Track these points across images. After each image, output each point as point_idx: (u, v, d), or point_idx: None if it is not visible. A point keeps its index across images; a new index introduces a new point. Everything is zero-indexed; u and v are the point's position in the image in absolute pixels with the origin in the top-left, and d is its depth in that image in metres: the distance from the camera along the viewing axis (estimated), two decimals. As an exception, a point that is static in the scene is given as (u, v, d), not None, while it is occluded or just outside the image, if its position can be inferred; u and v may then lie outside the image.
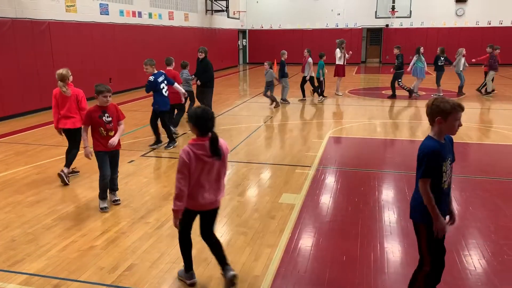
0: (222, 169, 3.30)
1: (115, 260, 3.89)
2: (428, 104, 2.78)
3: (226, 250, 4.00)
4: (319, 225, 4.62)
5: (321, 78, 12.94)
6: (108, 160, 4.99)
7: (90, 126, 4.91)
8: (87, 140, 4.96)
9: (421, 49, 13.66)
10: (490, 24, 24.96)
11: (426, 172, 2.71)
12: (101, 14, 14.04)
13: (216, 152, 3.16)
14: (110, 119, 4.91)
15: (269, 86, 11.72)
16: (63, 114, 5.83)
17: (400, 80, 13.18)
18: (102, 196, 5.05)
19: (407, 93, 13.53)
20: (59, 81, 5.80)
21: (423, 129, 9.01)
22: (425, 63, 13.56)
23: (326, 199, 5.36)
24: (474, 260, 3.83)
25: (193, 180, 3.17)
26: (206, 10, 22.33)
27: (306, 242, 4.22)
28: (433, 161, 2.71)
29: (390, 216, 4.81)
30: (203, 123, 3.15)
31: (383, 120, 10.33)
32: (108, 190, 5.15)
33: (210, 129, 3.16)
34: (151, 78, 7.52)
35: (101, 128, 4.87)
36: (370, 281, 3.53)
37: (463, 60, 13.62)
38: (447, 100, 2.73)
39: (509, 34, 24.14)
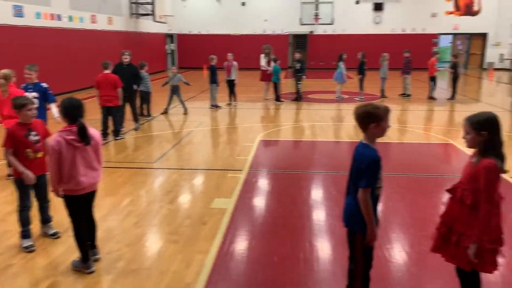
0: (96, 155, 3.64)
1: None
2: (359, 111, 2.78)
3: (156, 259, 3.90)
4: (251, 227, 4.67)
5: (278, 82, 13.52)
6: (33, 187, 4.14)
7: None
8: (20, 164, 3.92)
9: (344, 56, 14.33)
10: (404, 31, 26.87)
11: (370, 182, 2.72)
12: (14, 16, 13.11)
13: (84, 137, 3.48)
14: (37, 137, 4.02)
15: (176, 91, 11.49)
16: (7, 115, 5.51)
17: (299, 83, 13.79)
18: (24, 234, 4.14)
19: (336, 97, 14.14)
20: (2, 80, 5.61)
21: (347, 131, 9.45)
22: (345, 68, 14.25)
23: (258, 202, 5.43)
24: (395, 252, 4.08)
25: (67, 164, 3.46)
26: (131, 14, 21.71)
27: (239, 245, 4.24)
28: (377, 170, 2.75)
29: (318, 215, 4.98)
30: (71, 112, 3.49)
31: (310, 122, 10.69)
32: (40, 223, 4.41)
33: (78, 117, 3.48)
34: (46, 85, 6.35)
35: (28, 150, 3.95)
36: (301, 280, 3.63)
37: (385, 63, 14.49)
38: (378, 106, 2.79)
39: (421, 40, 26.12)
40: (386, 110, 2.79)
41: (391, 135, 9.21)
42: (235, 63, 13.11)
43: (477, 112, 2.73)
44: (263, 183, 6.19)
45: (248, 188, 5.87)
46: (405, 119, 11.69)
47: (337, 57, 14.50)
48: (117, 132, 8.68)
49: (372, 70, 16.36)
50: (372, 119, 2.74)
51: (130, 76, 9.22)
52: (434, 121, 11.63)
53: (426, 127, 10.48)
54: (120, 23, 20.32)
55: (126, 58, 9.38)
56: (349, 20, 26.77)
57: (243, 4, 27.39)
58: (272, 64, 13.99)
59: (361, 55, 14.35)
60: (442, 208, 2.92)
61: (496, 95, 16.26)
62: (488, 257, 2.65)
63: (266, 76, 14.20)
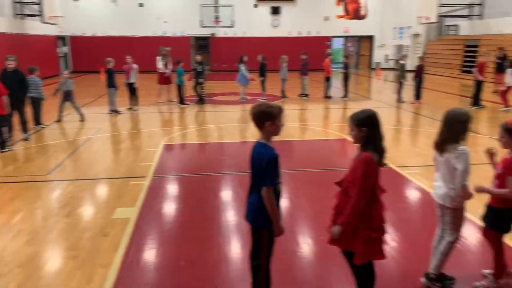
0: None
1: None
2: (254, 110, 2.86)
3: (53, 278, 3.61)
4: (157, 235, 4.53)
5: (182, 85, 13.28)
6: None
7: None
8: None
9: (245, 58, 14.59)
10: (300, 34, 28.22)
11: (273, 180, 2.80)
12: None
13: None
14: None
15: (69, 96, 10.80)
16: None
17: (202, 85, 13.87)
18: None
19: (240, 98, 14.32)
20: None
21: (252, 132, 9.64)
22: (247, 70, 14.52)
23: (164, 208, 5.29)
24: (300, 244, 4.25)
25: None
26: (15, 14, 19.85)
27: (144, 254, 4.09)
28: (276, 168, 2.82)
29: (226, 216, 5.00)
30: None
31: (216, 124, 10.71)
32: None
33: None
34: None
35: None
36: (208, 282, 3.60)
37: (285, 65, 15.01)
38: (271, 105, 2.89)
39: (316, 42, 27.64)
40: (280, 109, 2.90)
41: (293, 133, 9.59)
42: (134, 65, 12.67)
43: (359, 110, 2.92)
44: (168, 188, 6.05)
45: (153, 194, 5.69)
46: (305, 117, 12.26)
47: (239, 59, 14.74)
48: (2, 144, 7.88)
49: (272, 71, 16.90)
50: (267, 117, 2.83)
51: (15, 82, 8.45)
52: (331, 118, 12.38)
53: (324, 124, 11.11)
54: (2, 24, 18.46)
55: (11, 64, 8.60)
56: (249, 23, 27.39)
57: (141, 5, 26.58)
58: (170, 66, 13.81)
59: (262, 57, 14.75)
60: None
61: (384, 92, 17.77)
62: (376, 245, 2.87)
63: (163, 79, 13.92)
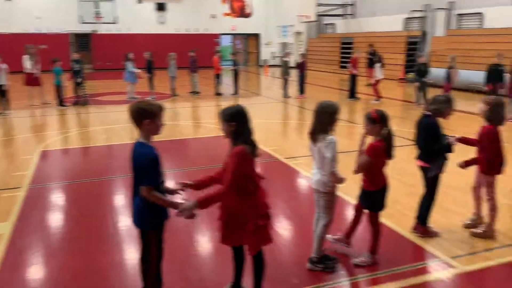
0: None
1: None
2: (133, 108, 2.76)
3: None
4: (38, 250, 4.12)
5: (60, 85, 12.39)
6: None
7: None
8: None
9: (131, 55, 14.03)
10: (188, 31, 27.98)
11: (152, 179, 2.73)
12: None
13: None
14: None
15: None
16: None
17: (82, 85, 13.13)
18: None
19: (128, 97, 13.68)
20: None
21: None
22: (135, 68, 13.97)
23: (44, 220, 4.84)
24: (193, 242, 4.21)
25: None
26: None
27: (21, 272, 3.69)
28: (157, 167, 2.75)
29: (115, 223, 4.74)
30: None
31: (102, 126, 10.11)
32: None
33: None
34: None
35: None
36: (98, 294, 3.40)
37: (173, 62, 14.67)
38: (151, 103, 2.82)
39: (204, 40, 27.66)
40: (160, 108, 2.83)
41: (186, 132, 9.48)
42: (3, 65, 11.37)
43: (228, 105, 2.99)
44: (48, 198, 5.55)
45: (30, 206, 5.17)
46: (197, 115, 12.21)
47: (124, 57, 14.14)
48: None
49: (161, 69, 16.50)
50: (146, 115, 2.74)
51: None
52: (222, 115, 12.48)
53: (217, 121, 11.15)
54: None
55: None
56: (134, 19, 26.35)
57: (9, -1, 23.99)
58: (38, 66, 12.71)
59: (149, 54, 14.31)
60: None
61: (272, 88, 18.48)
62: (263, 232, 2.96)
63: (31, 80, 12.71)
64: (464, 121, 8.87)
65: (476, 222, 4.42)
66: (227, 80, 17.05)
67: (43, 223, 4.76)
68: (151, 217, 2.83)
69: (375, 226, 3.72)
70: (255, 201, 2.92)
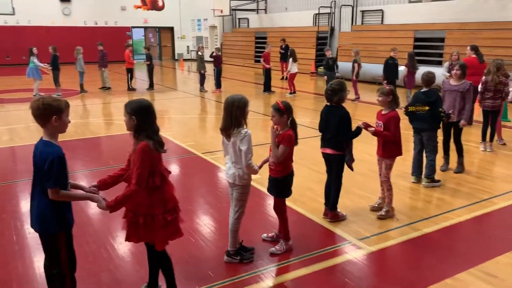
0: None
1: None
2: (37, 105, 2.59)
3: None
4: None
5: None
6: None
7: None
8: None
9: (35, 49, 13.03)
10: (97, 24, 26.57)
11: (58, 180, 2.58)
12: None
13: None
14: None
15: None
16: None
17: None
18: None
19: (34, 95, 12.66)
20: None
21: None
22: (39, 64, 13.01)
23: None
24: (105, 244, 4.07)
25: None
26: None
27: None
28: (64, 167, 2.61)
29: (18, 230, 4.41)
30: None
31: (2, 127, 9.27)
32: None
33: None
34: None
35: None
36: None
37: (80, 57, 13.83)
38: (56, 98, 2.69)
39: (115, 33, 26.50)
40: (67, 104, 2.72)
41: (98, 130, 9.04)
42: None
43: (134, 99, 2.95)
44: None
45: None
46: (108, 112, 11.69)
47: (27, 52, 13.09)
48: None
49: (67, 64, 15.54)
50: (52, 112, 2.60)
51: None
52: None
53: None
54: None
55: None
56: (34, 10, 24.40)
57: None
58: None
59: (53, 48, 13.39)
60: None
61: (188, 83, 18.27)
62: (172, 226, 2.96)
63: None
64: (367, 112, 9.55)
65: (381, 205, 4.80)
66: (141, 75, 16.53)
67: None
68: (57, 219, 2.69)
69: (282, 213, 3.87)
70: (163, 196, 2.91)
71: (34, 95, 12.79)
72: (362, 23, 18.64)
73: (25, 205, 5.09)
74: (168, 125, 8.90)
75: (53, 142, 2.66)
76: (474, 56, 8.83)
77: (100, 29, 26.39)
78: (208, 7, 25.36)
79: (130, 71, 14.77)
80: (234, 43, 25.77)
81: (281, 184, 3.80)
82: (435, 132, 5.52)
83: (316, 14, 19.99)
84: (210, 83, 15.00)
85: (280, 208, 3.87)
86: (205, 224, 4.52)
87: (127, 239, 2.99)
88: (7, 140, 8.23)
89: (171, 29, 29.66)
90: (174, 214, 2.97)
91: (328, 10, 19.55)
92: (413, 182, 5.66)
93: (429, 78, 5.40)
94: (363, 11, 18.49)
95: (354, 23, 18.77)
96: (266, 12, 24.35)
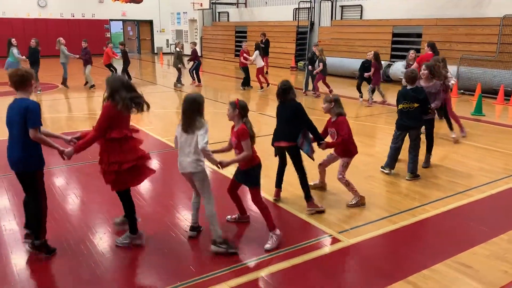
0: None
1: None
2: (19, 73, 3.47)
3: None
4: None
5: None
6: None
7: None
8: None
9: (13, 40, 12.45)
10: (74, 16, 26.00)
11: (38, 122, 3.47)
12: None
13: None
14: None
15: None
16: None
17: None
18: None
19: None
20: None
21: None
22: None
23: None
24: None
25: None
26: None
27: None
28: (39, 112, 3.47)
29: (-5, 227, 4.32)
30: None
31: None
32: None
33: None
34: None
35: None
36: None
37: (64, 49, 13.23)
38: (28, 70, 3.57)
39: (92, 25, 26.00)
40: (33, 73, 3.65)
41: (78, 125, 8.90)
42: None
43: (112, 75, 3.50)
44: None
45: None
46: (93, 107, 11.49)
47: (5, 43, 12.48)
48: None
49: (43, 57, 15.15)
50: (30, 79, 3.56)
51: None
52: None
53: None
54: None
55: None
56: (9, 2, 23.73)
57: None
58: None
59: (35, 42, 12.76)
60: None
61: (168, 77, 18.08)
62: (134, 172, 3.70)
63: None
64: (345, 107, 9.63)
65: (317, 185, 5.25)
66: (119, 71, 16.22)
67: None
68: (36, 158, 3.54)
69: (260, 203, 3.97)
70: (123, 147, 3.61)
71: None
72: (341, 18, 18.78)
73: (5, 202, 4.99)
74: (148, 120, 8.81)
75: (29, 98, 3.50)
76: (431, 52, 9.11)
77: (77, 21, 25.85)
78: (187, 0, 25.10)
79: (110, 66, 14.44)
80: (214, 37, 25.60)
81: (251, 173, 3.93)
82: (420, 129, 5.69)
83: (296, 8, 20.03)
84: (189, 77, 14.86)
85: (258, 199, 3.97)
86: (186, 218, 4.51)
87: (106, 183, 3.73)
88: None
89: (150, 22, 29.26)
90: (133, 162, 3.64)
91: (308, 5, 19.60)
92: (385, 173, 5.84)
93: (414, 75, 5.50)
94: (342, 6, 18.62)
95: (333, 18, 18.89)
96: (246, 6, 24.26)
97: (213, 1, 24.50)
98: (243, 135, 3.76)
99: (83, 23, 25.87)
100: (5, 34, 18.90)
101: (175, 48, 15.20)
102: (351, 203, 4.81)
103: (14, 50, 12.28)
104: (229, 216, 4.42)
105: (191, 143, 3.69)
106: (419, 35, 15.12)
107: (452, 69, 9.92)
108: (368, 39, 16.45)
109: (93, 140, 3.60)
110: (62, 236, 4.05)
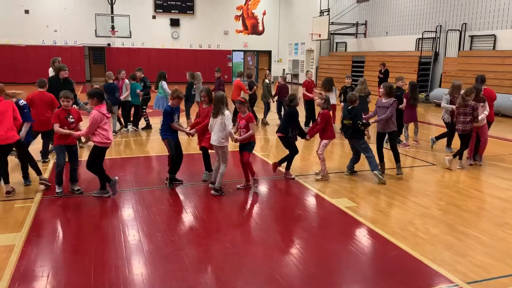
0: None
1: None
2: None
3: None
4: (48, 261, 4.12)
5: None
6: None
7: None
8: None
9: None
10: (201, 47, 28.33)
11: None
12: None
13: None
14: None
15: None
16: None
17: None
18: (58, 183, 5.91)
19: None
20: None
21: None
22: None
23: (55, 231, 4.85)
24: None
25: None
26: None
27: (33, 284, 3.69)
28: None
29: (124, 236, 4.74)
30: None
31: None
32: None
33: None
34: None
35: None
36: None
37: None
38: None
39: (216, 55, 27.96)
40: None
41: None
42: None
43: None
44: (59, 209, 5.56)
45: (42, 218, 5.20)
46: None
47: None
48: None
49: (173, 83, 16.64)
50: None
51: None
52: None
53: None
54: None
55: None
56: (148, 33, 26.80)
57: (27, 12, 24.54)
58: None
59: (190, 75, 11.48)
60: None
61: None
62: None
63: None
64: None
65: (320, 177, 6.80)
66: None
67: (55, 233, 4.76)
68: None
69: (249, 162, 6.13)
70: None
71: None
72: (470, 49, 17.46)
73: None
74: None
75: None
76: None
77: (203, 51, 28.10)
78: (306, 31, 25.69)
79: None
80: (330, 66, 25.66)
81: (250, 145, 6.11)
82: (361, 138, 6.80)
83: (420, 38, 19.18)
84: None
85: (247, 159, 6.08)
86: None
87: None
88: None
89: (269, 53, 30.54)
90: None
91: (433, 35, 18.65)
92: (345, 174, 7.09)
93: (355, 98, 6.77)
94: (472, 36, 17.33)
95: (461, 49, 17.65)
96: (365, 36, 23.97)
97: (332, 32, 24.69)
98: (251, 119, 5.98)
99: (207, 53, 28.02)
100: (142, 62, 21.30)
101: (264, 80, 12.93)
102: (317, 177, 6.75)
103: (164, 85, 10.75)
104: (239, 185, 6.32)
105: (219, 125, 5.73)
106: None
107: None
108: (502, 71, 15.01)
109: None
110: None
